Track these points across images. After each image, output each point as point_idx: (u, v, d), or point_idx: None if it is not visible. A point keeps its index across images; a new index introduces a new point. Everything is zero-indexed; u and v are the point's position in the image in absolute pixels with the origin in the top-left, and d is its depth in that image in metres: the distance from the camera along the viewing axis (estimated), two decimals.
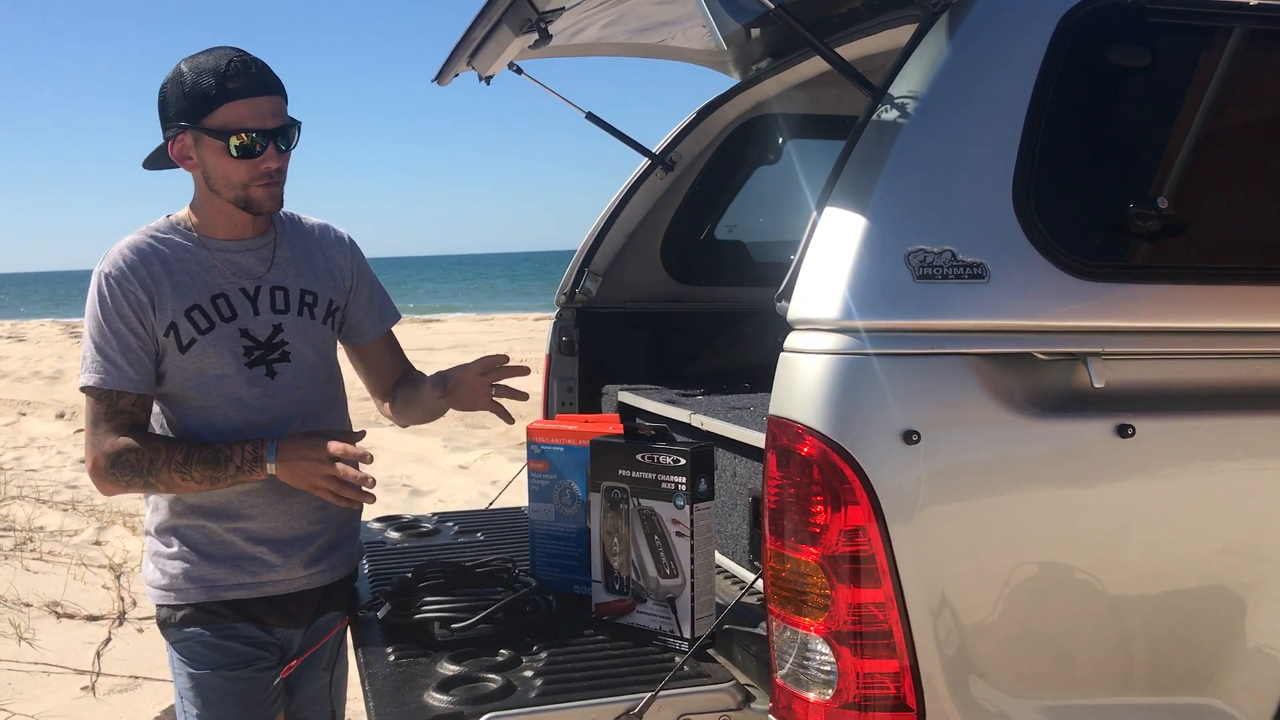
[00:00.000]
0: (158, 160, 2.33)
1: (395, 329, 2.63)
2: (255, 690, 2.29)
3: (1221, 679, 1.87)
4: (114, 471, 2.18)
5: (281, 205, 2.30)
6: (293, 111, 2.29)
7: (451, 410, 2.51)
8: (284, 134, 2.23)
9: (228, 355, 2.25)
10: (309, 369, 2.34)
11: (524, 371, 2.44)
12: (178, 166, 2.28)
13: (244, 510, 2.27)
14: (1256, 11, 2.00)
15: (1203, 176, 1.95)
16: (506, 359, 2.43)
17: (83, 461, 2.32)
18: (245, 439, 2.20)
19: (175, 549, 2.28)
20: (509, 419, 2.44)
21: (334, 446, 2.14)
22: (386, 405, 2.64)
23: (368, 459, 2.17)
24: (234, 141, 2.17)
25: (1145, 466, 1.83)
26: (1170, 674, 1.87)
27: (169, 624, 2.30)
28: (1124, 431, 1.80)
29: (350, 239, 2.53)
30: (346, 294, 2.48)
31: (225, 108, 2.16)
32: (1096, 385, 1.81)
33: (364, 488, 2.14)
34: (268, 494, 2.27)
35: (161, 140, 2.27)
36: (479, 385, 2.42)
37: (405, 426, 2.70)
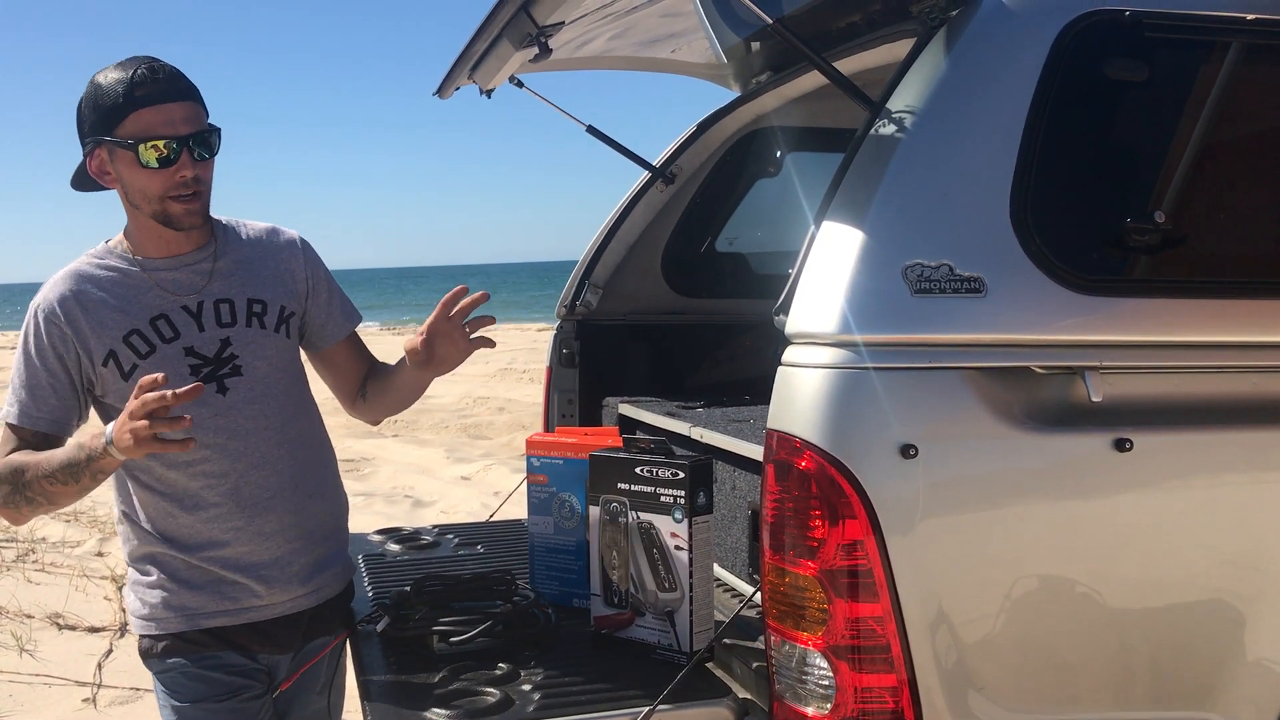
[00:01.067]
0: (82, 180, 2.25)
1: (384, 339, 2.59)
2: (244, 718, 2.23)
3: (1221, 692, 1.86)
4: None
5: (201, 220, 2.20)
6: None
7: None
8: (200, 141, 2.12)
9: (173, 377, 2.12)
10: (263, 381, 2.25)
11: (484, 297, 2.30)
12: (103, 186, 2.21)
13: (215, 537, 2.20)
14: (1253, 26, 2.01)
15: (1200, 191, 1.95)
16: (464, 289, 2.29)
17: None
18: (68, 447, 2.09)
19: (154, 577, 2.22)
20: (491, 344, 2.33)
21: (133, 404, 1.94)
22: (357, 403, 2.53)
23: (162, 383, 1.96)
24: (143, 151, 2.08)
25: (1143, 480, 1.83)
26: (1170, 688, 1.86)
27: (151, 654, 2.24)
28: (1122, 445, 1.80)
29: (302, 239, 2.41)
30: (302, 299, 2.37)
31: (133, 117, 2.08)
32: (1094, 399, 1.81)
33: (171, 417, 1.91)
34: (236, 517, 2.20)
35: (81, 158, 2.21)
36: (452, 330, 2.28)
37: (378, 421, 2.59)
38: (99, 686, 4.71)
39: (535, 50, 2.65)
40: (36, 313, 2.19)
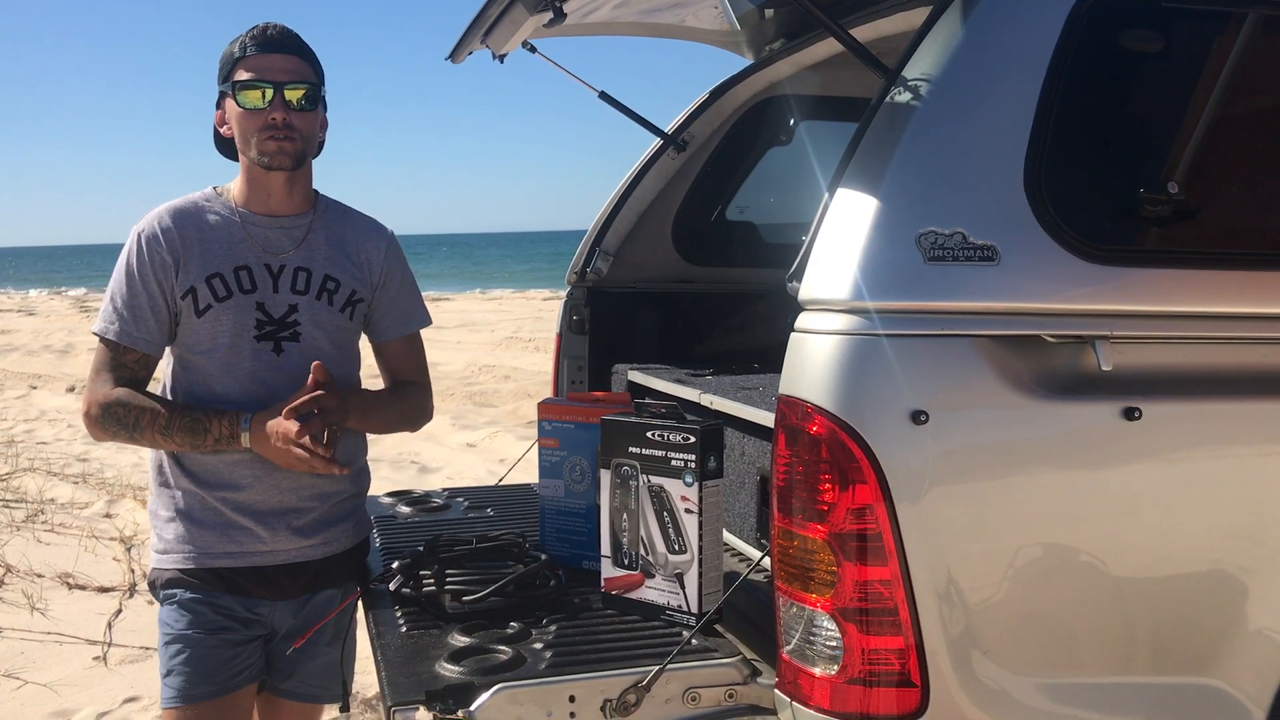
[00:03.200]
0: (219, 140, 2.44)
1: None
2: (216, 658, 2.31)
3: (1222, 660, 1.89)
4: (103, 420, 2.28)
5: (292, 164, 2.33)
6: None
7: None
8: (294, 89, 2.29)
9: (239, 326, 2.30)
10: (317, 350, 2.36)
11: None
12: (231, 148, 2.39)
13: (235, 480, 2.31)
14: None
15: (1213, 163, 1.95)
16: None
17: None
18: (225, 411, 2.25)
19: (170, 513, 2.34)
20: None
21: (294, 428, 2.18)
22: None
23: (335, 432, 2.26)
24: (241, 93, 2.28)
25: (1151, 449, 1.84)
26: (1172, 655, 1.89)
27: (157, 584, 2.38)
28: (1130, 414, 1.82)
29: (391, 237, 2.56)
30: (373, 288, 2.50)
31: (241, 64, 2.29)
32: (1104, 368, 1.82)
33: (329, 461, 2.21)
34: (258, 466, 2.31)
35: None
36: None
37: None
38: (109, 645, 4.76)
39: (549, 15, 2.65)
40: (140, 237, 2.31)
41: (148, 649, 4.68)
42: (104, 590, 5.48)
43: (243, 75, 2.28)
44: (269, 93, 2.27)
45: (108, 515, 6.97)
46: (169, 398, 2.35)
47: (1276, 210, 2.02)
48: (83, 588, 5.51)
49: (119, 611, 5.17)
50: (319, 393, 2.24)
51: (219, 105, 2.38)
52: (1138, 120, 2.00)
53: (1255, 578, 1.89)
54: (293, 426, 2.19)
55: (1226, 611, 1.88)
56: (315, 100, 2.34)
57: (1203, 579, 1.88)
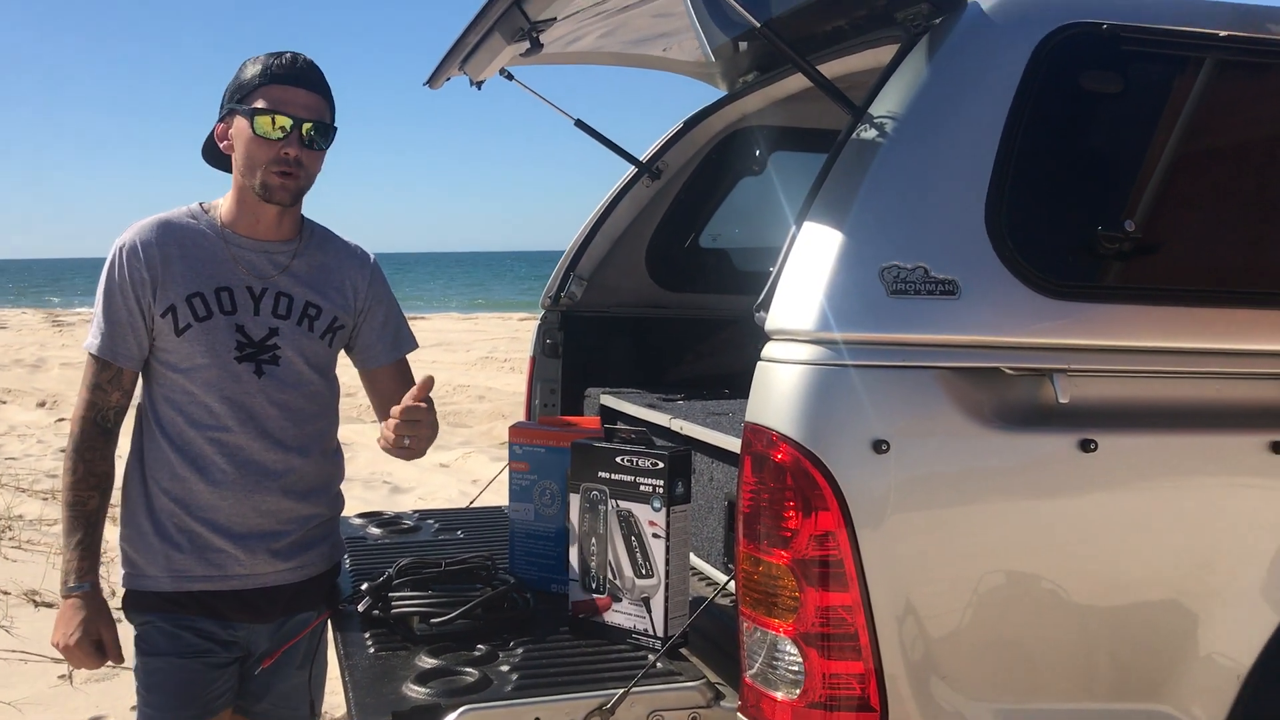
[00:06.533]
0: (209, 150, 2.45)
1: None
2: (197, 681, 2.32)
3: (1174, 686, 1.93)
4: (68, 447, 2.33)
5: (291, 201, 2.34)
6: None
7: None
8: (313, 128, 2.30)
9: (219, 346, 2.31)
10: (296, 375, 2.38)
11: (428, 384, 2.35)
12: (224, 161, 2.40)
13: (214, 503, 2.31)
14: (1225, 43, 2.07)
15: (1170, 201, 2.01)
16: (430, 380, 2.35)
17: (64, 451, 2.39)
18: (86, 559, 2.28)
19: (148, 536, 2.33)
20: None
21: (65, 653, 2.28)
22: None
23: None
24: (260, 121, 2.27)
25: (1106, 480, 1.89)
26: (1126, 681, 1.93)
27: (133, 607, 2.37)
28: (1087, 446, 1.87)
29: (374, 263, 2.57)
30: (356, 315, 2.51)
31: (262, 90, 2.28)
32: (1061, 400, 1.87)
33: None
34: (238, 488, 2.32)
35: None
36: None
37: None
38: None
39: (527, 44, 2.69)
40: (121, 251, 2.32)
41: (114, 668, 4.65)
42: None
43: (263, 102, 2.27)
44: (287, 125, 2.27)
45: None
46: (144, 436, 2.35)
47: (1229, 248, 2.08)
48: (50, 605, 5.46)
49: None
50: (421, 404, 2.28)
51: (223, 119, 2.36)
52: (1096, 159, 2.06)
53: (1206, 605, 1.93)
54: (61, 644, 2.26)
55: (1178, 639, 1.93)
56: (328, 140, 2.35)
57: (1156, 607, 1.93)
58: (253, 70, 2.31)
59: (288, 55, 2.32)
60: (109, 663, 2.32)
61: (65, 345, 20.61)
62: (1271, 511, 1.96)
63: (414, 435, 2.30)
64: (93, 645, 2.27)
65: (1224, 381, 2.00)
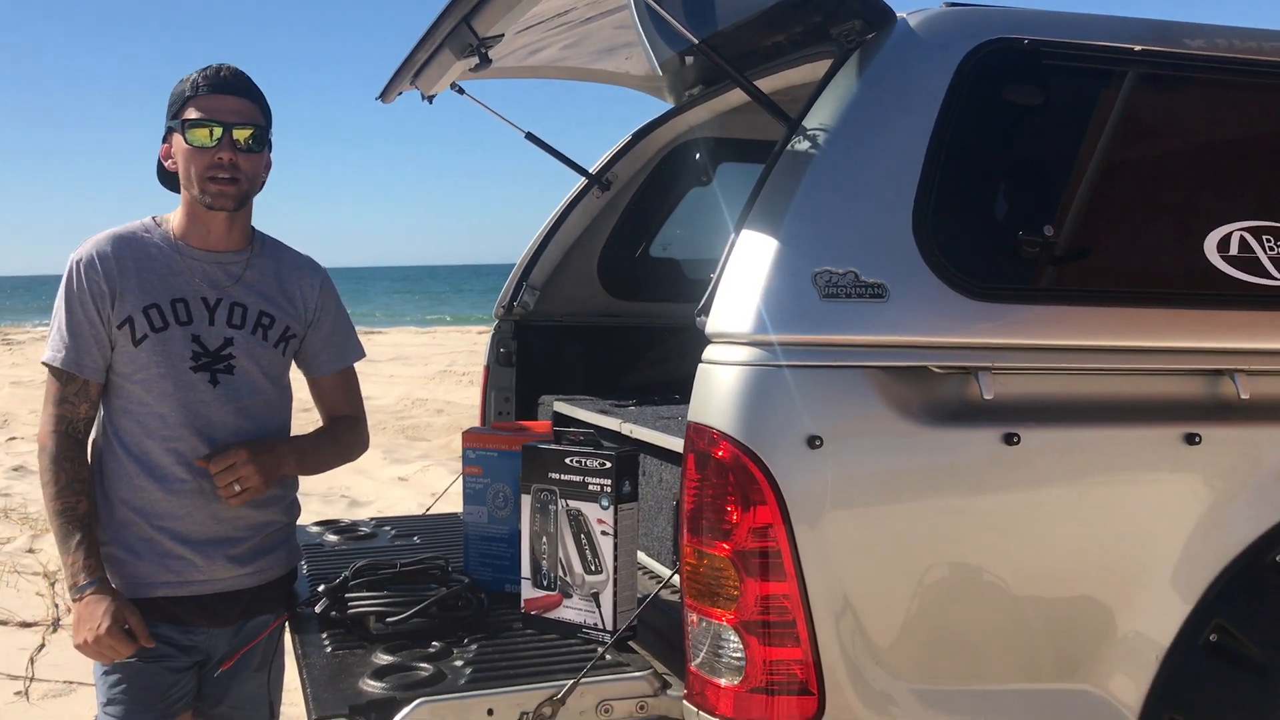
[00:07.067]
0: (160, 172, 2.50)
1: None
2: (157, 685, 2.37)
3: (1094, 667, 2.03)
4: (43, 460, 2.36)
5: (234, 205, 2.39)
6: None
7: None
8: (242, 130, 2.35)
9: (175, 357, 2.36)
10: (251, 383, 2.43)
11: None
12: (175, 179, 2.44)
13: (172, 510, 2.36)
14: (1140, 56, 2.19)
15: (1087, 207, 2.12)
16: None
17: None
18: (91, 557, 2.30)
19: (108, 546, 2.37)
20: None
21: (87, 649, 2.29)
22: None
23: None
24: (190, 131, 2.34)
25: (1029, 471, 2.00)
26: (1048, 662, 2.03)
27: None
28: (1010, 439, 1.97)
29: (324, 273, 2.62)
30: (306, 325, 2.57)
31: (191, 102, 2.35)
32: (986, 397, 1.97)
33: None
34: (196, 495, 2.36)
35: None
36: None
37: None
38: (31, 680, 4.71)
39: (476, 60, 2.77)
40: (77, 265, 2.36)
41: (71, 683, 4.65)
42: (27, 625, 5.41)
43: (192, 114, 2.33)
44: (217, 132, 2.32)
45: (30, 550, 6.87)
46: (103, 448, 2.40)
47: (1143, 252, 2.19)
48: (4, 623, 5.44)
49: (42, 646, 5.11)
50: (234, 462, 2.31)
51: (166, 139, 2.43)
52: (1017, 168, 2.17)
53: (1122, 589, 2.04)
54: (83, 640, 2.27)
55: (1097, 622, 2.03)
56: (262, 142, 2.40)
57: (1075, 591, 2.03)
58: (181, 87, 2.38)
59: (213, 67, 2.39)
60: (138, 647, 2.30)
61: (15, 364, 20.32)
62: (1186, 498, 2.08)
63: (235, 478, 2.32)
64: (122, 631, 2.27)
65: (1139, 377, 2.11)
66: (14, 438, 11.47)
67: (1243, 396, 2.11)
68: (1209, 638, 2.05)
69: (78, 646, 2.29)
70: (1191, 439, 2.07)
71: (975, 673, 2.00)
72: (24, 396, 15.07)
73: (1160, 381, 2.12)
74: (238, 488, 2.31)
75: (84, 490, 2.35)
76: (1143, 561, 2.05)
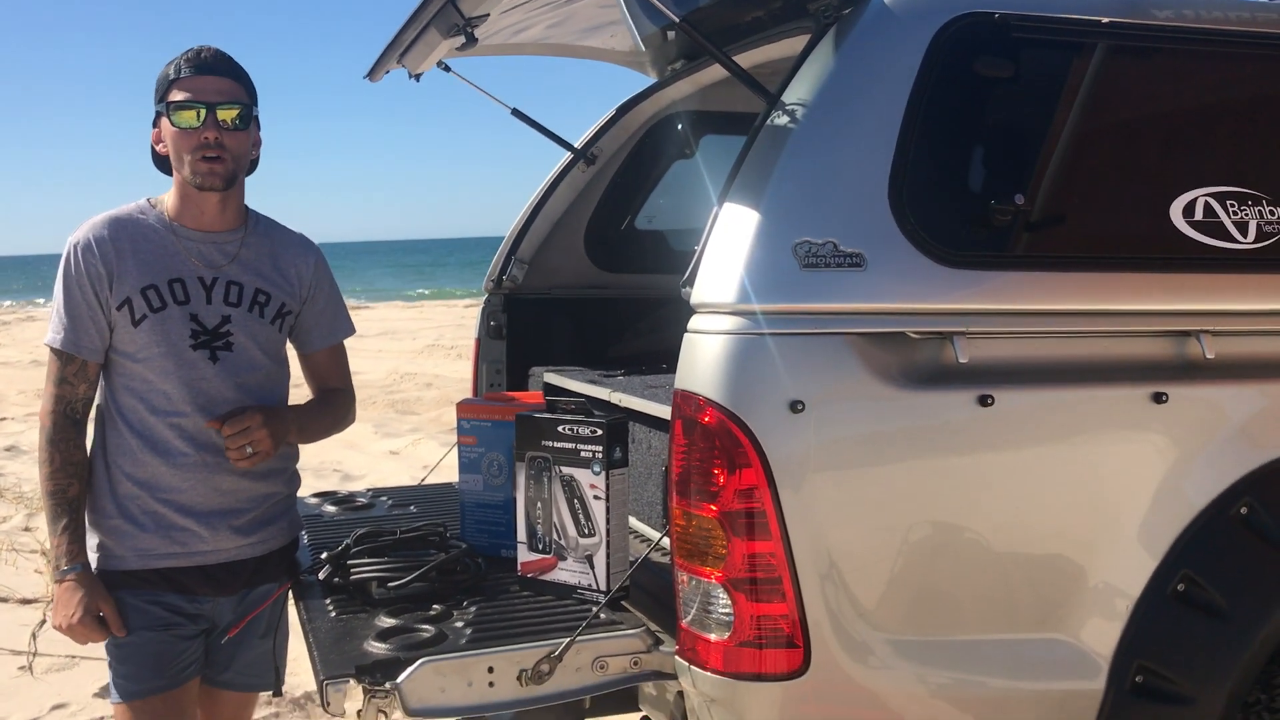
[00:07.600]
0: (155, 156, 2.55)
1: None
2: (168, 652, 2.45)
3: (1068, 617, 2.13)
4: (40, 440, 2.44)
5: (223, 184, 2.44)
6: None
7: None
8: (227, 110, 2.40)
9: (174, 336, 2.42)
10: (249, 360, 2.50)
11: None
12: (167, 163, 2.49)
13: (175, 484, 2.43)
14: (1108, 29, 2.26)
15: (1057, 176, 2.20)
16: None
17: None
18: (76, 541, 2.40)
19: (113, 520, 2.45)
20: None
21: (63, 631, 2.38)
22: None
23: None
24: (175, 114, 2.39)
25: (1002, 431, 2.08)
26: (1023, 614, 2.12)
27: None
28: (984, 401, 2.05)
29: (318, 254, 2.69)
30: (301, 302, 2.63)
31: (175, 85, 2.41)
32: (961, 360, 2.06)
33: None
34: (198, 469, 2.44)
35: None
36: None
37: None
38: (35, 655, 4.78)
39: (462, 39, 2.82)
40: (76, 248, 2.42)
41: (74, 657, 4.73)
42: (27, 602, 5.49)
43: (177, 96, 2.39)
44: (202, 113, 2.38)
45: (27, 529, 6.94)
46: (107, 424, 2.46)
47: (1110, 218, 2.27)
48: (4, 600, 5.51)
49: (43, 622, 5.13)
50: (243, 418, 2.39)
51: (155, 124, 2.48)
52: (989, 139, 2.24)
53: (1093, 543, 2.13)
54: (62, 622, 2.37)
55: (1070, 574, 2.13)
56: (247, 120, 2.46)
57: (1049, 545, 2.12)
58: (166, 71, 2.44)
59: (194, 49, 2.45)
60: (111, 634, 2.41)
61: (4, 345, 20.29)
62: (1154, 455, 2.16)
63: (249, 441, 2.39)
64: (95, 620, 2.37)
65: (1108, 339, 2.19)
66: (4, 418, 11.51)
67: (1208, 356, 2.19)
68: (1177, 587, 2.14)
69: (56, 627, 2.40)
70: (1159, 398, 2.15)
71: (954, 624, 2.09)
72: (12, 377, 15.09)
73: (1128, 343, 2.20)
74: (250, 449, 2.38)
75: (76, 474, 2.42)
76: (1114, 516, 2.14)
